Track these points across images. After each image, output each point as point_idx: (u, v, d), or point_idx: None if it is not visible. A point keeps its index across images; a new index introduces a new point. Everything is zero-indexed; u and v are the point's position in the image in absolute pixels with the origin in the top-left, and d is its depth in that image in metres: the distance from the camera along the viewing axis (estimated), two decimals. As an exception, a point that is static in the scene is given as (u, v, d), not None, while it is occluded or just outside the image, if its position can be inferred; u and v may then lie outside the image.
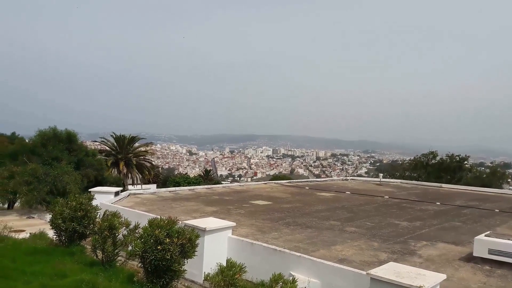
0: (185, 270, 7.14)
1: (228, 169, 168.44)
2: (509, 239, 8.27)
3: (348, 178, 29.42)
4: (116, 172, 31.78)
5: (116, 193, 14.91)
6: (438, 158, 38.44)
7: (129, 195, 16.39)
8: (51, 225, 9.20)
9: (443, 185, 25.40)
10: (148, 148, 38.32)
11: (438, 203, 17.17)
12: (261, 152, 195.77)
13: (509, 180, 41.58)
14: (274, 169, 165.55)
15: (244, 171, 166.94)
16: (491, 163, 73.73)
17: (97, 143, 36.23)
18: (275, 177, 57.14)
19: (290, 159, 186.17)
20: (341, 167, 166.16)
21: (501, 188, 30.35)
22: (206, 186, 21.64)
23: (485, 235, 8.67)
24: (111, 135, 35.05)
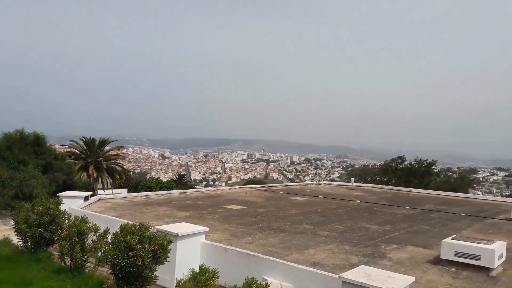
0: (157, 276, 7.04)
1: (202, 173, 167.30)
2: (474, 242, 8.57)
3: (321, 182, 29.80)
4: (86, 176, 31.03)
5: (86, 198, 14.56)
6: (406, 163, 39.45)
7: (99, 200, 16.03)
8: (15, 230, 8.88)
9: (412, 189, 26.07)
10: (119, 152, 37.65)
11: (408, 207, 17.61)
12: (235, 157, 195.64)
13: (475, 185, 43.18)
14: (249, 174, 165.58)
15: (219, 176, 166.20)
16: (458, 168, 76.35)
17: (66, 146, 35.29)
18: (249, 182, 57.14)
19: (264, 164, 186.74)
20: (314, 172, 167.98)
21: (467, 193, 31.43)
22: (179, 191, 21.41)
23: (452, 238, 8.95)
24: (81, 139, 34.27)
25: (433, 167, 38.78)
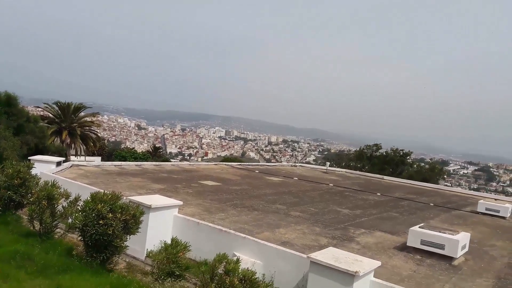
0: (127, 246, 7.05)
1: (178, 147, 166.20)
2: (440, 232, 8.91)
3: (297, 164, 30.14)
4: (59, 141, 30.35)
5: (58, 163, 14.29)
6: (382, 150, 40.22)
7: (71, 166, 15.77)
8: (-17, 192, 8.67)
9: (385, 177, 26.69)
10: (94, 119, 36.90)
11: (379, 194, 18.07)
12: (213, 133, 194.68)
13: (445, 176, 44.48)
14: (226, 151, 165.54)
15: (195, 151, 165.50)
16: (431, 159, 78.41)
17: (40, 109, 34.31)
18: (226, 159, 57.19)
19: (242, 142, 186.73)
20: (291, 153, 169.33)
21: (437, 183, 32.44)
22: (154, 163, 21.26)
23: (419, 227, 9.28)
24: (55, 102, 33.35)
25: (408, 157, 39.70)
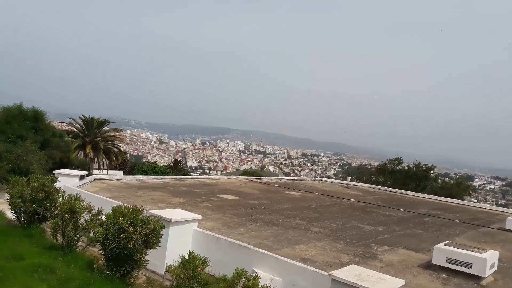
0: (147, 260, 7.05)
1: (198, 161, 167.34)
2: (466, 249, 8.61)
3: (316, 178, 29.84)
4: (82, 155, 31.01)
5: (81, 177, 14.55)
6: (403, 164, 39.50)
7: (94, 180, 16.03)
8: (9, 204, 8.86)
9: (408, 192, 26.14)
10: (117, 133, 37.60)
11: (402, 210, 17.67)
12: (233, 146, 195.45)
13: (471, 192, 43.20)
14: (245, 164, 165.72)
15: (215, 164, 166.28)
16: (455, 174, 76.50)
17: (65, 124, 35.24)
18: (245, 173, 57.21)
19: (261, 156, 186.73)
20: (310, 167, 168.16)
21: (463, 199, 31.55)
22: (174, 177, 21.43)
23: (445, 244, 8.99)
24: (80, 117, 34.17)
25: (431, 171, 38.85)
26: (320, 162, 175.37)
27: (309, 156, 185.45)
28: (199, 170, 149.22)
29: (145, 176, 20.36)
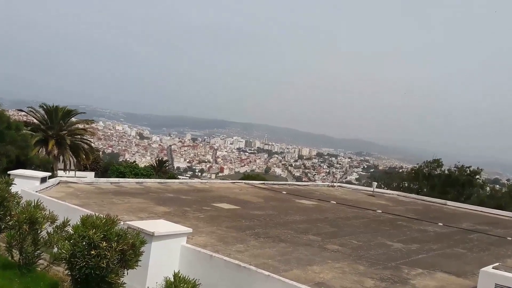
0: (124, 283, 7.08)
1: (188, 161, 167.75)
2: (519, 274, 8.59)
3: (335, 184, 29.84)
4: (44, 153, 31.12)
5: (43, 179, 14.60)
6: (443, 168, 39.41)
7: (59, 183, 16.10)
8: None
9: (449, 202, 26.09)
10: (87, 126, 37.73)
11: (441, 224, 17.65)
12: (231, 144, 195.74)
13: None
14: (246, 166, 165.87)
15: (208, 165, 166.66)
16: (508, 180, 76.26)
17: (23, 113, 35.32)
18: (246, 176, 57.30)
19: (266, 155, 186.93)
20: (327, 170, 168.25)
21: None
22: (158, 180, 21.47)
23: (493, 267, 8.97)
24: (41, 106, 34.19)
25: (477, 176, 38.71)
26: (340, 164, 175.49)
27: (326, 157, 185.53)
28: (188, 173, 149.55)
29: (122, 179, 20.39)
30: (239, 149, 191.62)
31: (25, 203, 8.38)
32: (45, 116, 33.55)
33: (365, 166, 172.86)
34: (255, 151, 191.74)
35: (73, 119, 35.94)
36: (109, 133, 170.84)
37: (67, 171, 33.46)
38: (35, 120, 33.58)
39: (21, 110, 36.19)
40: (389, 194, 28.49)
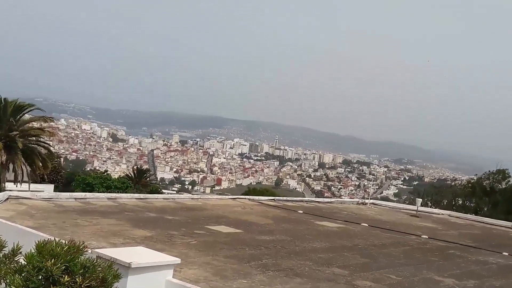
0: (92, 329, 7.08)
1: (175, 170, 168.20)
2: None
3: (367, 201, 29.75)
4: (-12, 160, 31.23)
5: (-13, 194, 14.63)
6: (509, 180, 39.21)
7: (7, 198, 16.11)
8: None
9: (516, 225, 25.99)
10: (45, 125, 37.75)
11: (506, 254, 17.55)
12: (230, 148, 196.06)
13: None
14: (251, 177, 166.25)
15: (202, 176, 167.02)
16: None
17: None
18: (251, 190, 57.37)
19: (277, 163, 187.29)
20: (357, 183, 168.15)
21: None
22: (137, 196, 21.48)
23: None
24: (-15, 98, 34.31)
25: None
26: (373, 175, 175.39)
27: (355, 165, 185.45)
28: (176, 185, 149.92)
29: (90, 193, 20.43)
30: (241, 154, 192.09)
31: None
32: (-10, 111, 33.65)
33: (407, 178, 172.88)
34: (263, 158, 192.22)
35: (27, 115, 36.01)
36: (73, 134, 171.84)
37: (19, 184, 33.53)
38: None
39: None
40: (438, 214, 28.38)
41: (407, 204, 30.38)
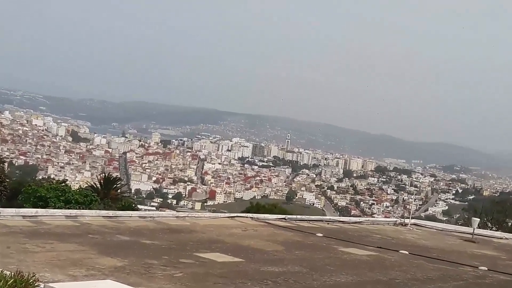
0: None
1: (155, 179, 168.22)
2: None
3: (407, 221, 29.74)
4: None
5: None
6: None
7: None
8: None
9: None
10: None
11: None
12: (228, 150, 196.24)
13: None
14: (254, 188, 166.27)
15: (190, 187, 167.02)
16: None
17: None
18: (254, 206, 57.25)
19: (289, 170, 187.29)
20: (394, 197, 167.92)
21: None
22: (104, 213, 21.49)
23: None
24: None
25: None
26: (416, 186, 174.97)
27: (391, 173, 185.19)
28: (156, 199, 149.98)
29: (43, 210, 20.44)
30: (242, 159, 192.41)
31: None
32: None
33: (459, 190, 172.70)
34: (270, 163, 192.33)
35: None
36: (20, 131, 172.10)
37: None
38: None
39: None
40: (501, 238, 28.32)
41: (460, 225, 30.33)
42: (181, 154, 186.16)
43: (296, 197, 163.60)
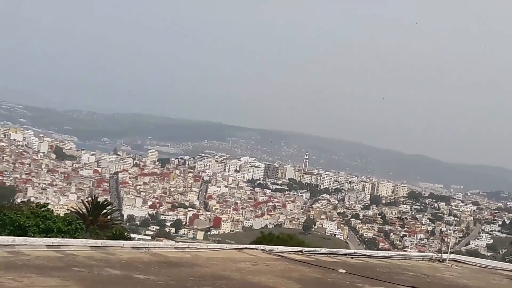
0: None
1: (151, 204, 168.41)
2: None
3: (445, 256, 29.70)
4: None
5: None
6: None
7: None
8: None
9: None
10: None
11: None
12: (236, 171, 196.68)
13: None
14: (266, 215, 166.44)
15: (192, 214, 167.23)
16: None
17: None
18: (266, 236, 57.26)
19: (307, 195, 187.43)
20: (430, 227, 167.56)
21: None
22: (92, 242, 21.52)
23: None
24: None
25: None
26: (456, 216, 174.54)
27: (427, 200, 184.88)
28: (152, 227, 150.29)
29: (21, 238, 20.48)
30: (252, 181, 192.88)
31: None
32: None
33: (507, 221, 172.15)
34: (285, 187, 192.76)
35: None
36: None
37: None
38: None
39: None
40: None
41: (508, 261, 30.25)
42: (182, 175, 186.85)
43: (315, 227, 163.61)
